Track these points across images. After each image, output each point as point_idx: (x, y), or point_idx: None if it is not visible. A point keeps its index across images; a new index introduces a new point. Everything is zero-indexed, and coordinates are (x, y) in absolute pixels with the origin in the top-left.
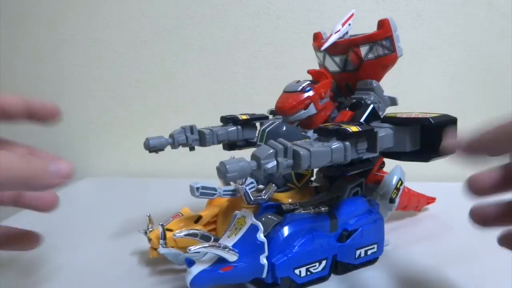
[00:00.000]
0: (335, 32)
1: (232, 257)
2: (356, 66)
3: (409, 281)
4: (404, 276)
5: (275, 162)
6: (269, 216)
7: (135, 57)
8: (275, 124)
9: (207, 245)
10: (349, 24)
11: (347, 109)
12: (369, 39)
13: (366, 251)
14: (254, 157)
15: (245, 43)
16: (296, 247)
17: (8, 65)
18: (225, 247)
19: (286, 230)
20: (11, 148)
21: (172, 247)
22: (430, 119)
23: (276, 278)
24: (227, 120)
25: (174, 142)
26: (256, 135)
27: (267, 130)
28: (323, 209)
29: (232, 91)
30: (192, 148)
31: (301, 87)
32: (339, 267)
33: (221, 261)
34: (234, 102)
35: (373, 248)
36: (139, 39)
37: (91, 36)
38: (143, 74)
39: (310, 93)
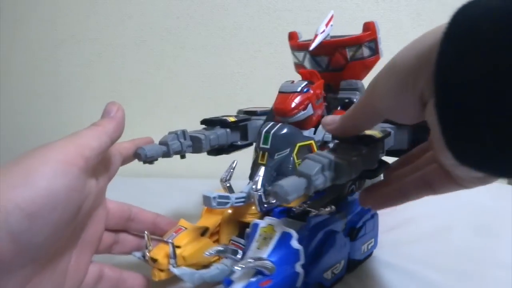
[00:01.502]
0: (320, 33)
1: (270, 270)
2: (340, 66)
3: (408, 281)
4: (404, 276)
5: (323, 177)
6: (289, 221)
7: (135, 57)
8: (277, 126)
9: (251, 261)
10: (331, 25)
11: (339, 108)
12: (356, 41)
13: (368, 246)
14: (302, 174)
15: (245, 43)
16: (324, 250)
17: (8, 65)
18: (263, 260)
19: (317, 235)
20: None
21: (180, 265)
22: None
23: (307, 285)
24: (213, 122)
25: (169, 151)
26: (258, 137)
27: (271, 132)
28: (332, 209)
29: (232, 91)
30: (183, 156)
31: (300, 88)
32: (350, 264)
33: (259, 275)
34: (234, 102)
35: (372, 242)
36: (139, 39)
37: (91, 36)
38: (143, 74)
39: (309, 94)
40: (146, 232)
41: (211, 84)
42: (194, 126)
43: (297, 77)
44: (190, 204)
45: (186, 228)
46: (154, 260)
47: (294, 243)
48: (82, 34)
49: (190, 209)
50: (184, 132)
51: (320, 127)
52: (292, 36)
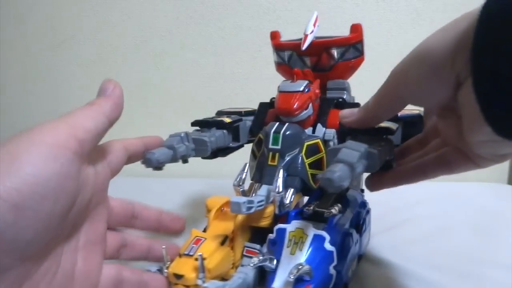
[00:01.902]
0: (310, 33)
1: (310, 274)
2: (328, 66)
3: (408, 281)
4: (404, 276)
5: (362, 165)
6: (308, 223)
7: (135, 57)
8: (285, 126)
9: (294, 269)
10: (318, 26)
11: (332, 107)
12: (345, 42)
13: (367, 240)
14: (344, 161)
15: (245, 43)
16: (346, 249)
17: (8, 65)
18: (303, 266)
19: (342, 235)
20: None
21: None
22: (414, 115)
23: (337, 286)
24: (209, 124)
25: (176, 154)
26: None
27: (281, 133)
28: (340, 207)
29: (232, 91)
30: (186, 161)
31: (302, 87)
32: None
33: (299, 282)
34: (234, 102)
35: (367, 237)
36: (139, 39)
37: (91, 36)
38: (143, 74)
39: (310, 93)
40: (164, 247)
41: (211, 84)
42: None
43: (279, 77)
44: (189, 205)
45: (205, 238)
46: (179, 276)
47: (328, 245)
48: (82, 34)
49: (189, 210)
50: (187, 135)
51: (319, 125)
52: (275, 36)
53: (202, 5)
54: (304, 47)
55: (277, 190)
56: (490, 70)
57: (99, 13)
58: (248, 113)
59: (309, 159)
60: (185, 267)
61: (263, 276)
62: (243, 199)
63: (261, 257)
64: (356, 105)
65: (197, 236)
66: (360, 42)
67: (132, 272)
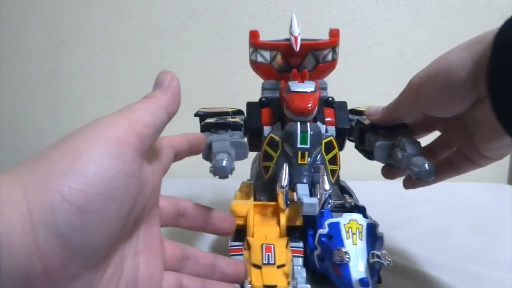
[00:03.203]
0: (298, 34)
1: (387, 258)
2: (311, 68)
3: (408, 281)
4: (404, 276)
5: None
6: (356, 214)
7: (135, 57)
8: (310, 125)
9: (388, 259)
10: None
11: (323, 105)
12: (330, 45)
13: None
14: (422, 154)
15: (245, 43)
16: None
17: (8, 65)
18: (380, 251)
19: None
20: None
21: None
22: None
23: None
24: (225, 125)
25: (232, 160)
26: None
27: (310, 132)
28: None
29: (232, 91)
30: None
31: (315, 87)
32: None
33: (372, 268)
34: (234, 102)
35: None
36: (139, 39)
37: (91, 36)
38: (143, 74)
39: (318, 93)
40: (244, 258)
41: (211, 84)
42: (194, 126)
43: (255, 76)
44: None
45: (273, 244)
46: (272, 287)
47: (379, 232)
48: (82, 34)
49: None
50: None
51: (319, 123)
52: (256, 35)
53: (202, 5)
54: (298, 48)
55: (325, 187)
56: (506, 91)
57: (99, 13)
58: (235, 112)
59: (328, 156)
60: (274, 277)
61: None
62: (315, 200)
63: (345, 256)
64: (344, 103)
65: (265, 244)
66: (337, 46)
67: (192, 280)
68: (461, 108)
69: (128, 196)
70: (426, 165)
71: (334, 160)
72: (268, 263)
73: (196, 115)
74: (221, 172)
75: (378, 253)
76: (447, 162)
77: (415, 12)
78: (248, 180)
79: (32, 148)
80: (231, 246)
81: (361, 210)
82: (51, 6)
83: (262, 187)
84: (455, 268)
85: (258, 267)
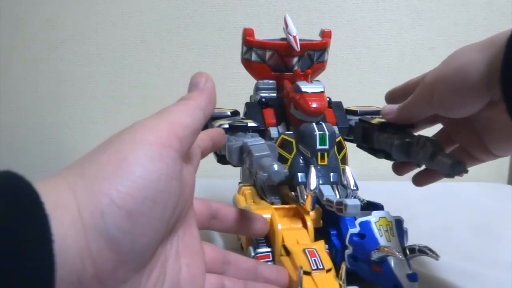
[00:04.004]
0: (296, 34)
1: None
2: (306, 67)
3: None
4: None
5: None
6: (384, 211)
7: (135, 57)
8: (327, 126)
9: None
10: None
11: None
12: (324, 46)
13: None
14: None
15: None
16: None
17: (8, 65)
18: (417, 246)
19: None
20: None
21: None
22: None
23: None
24: (244, 128)
25: None
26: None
27: (327, 133)
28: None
29: (232, 91)
30: None
31: (323, 87)
32: None
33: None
34: (234, 102)
35: None
36: (139, 39)
37: (91, 36)
38: (143, 74)
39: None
40: (300, 265)
41: None
42: None
43: (246, 74)
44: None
45: (315, 249)
46: None
47: (404, 226)
48: (82, 34)
49: None
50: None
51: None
52: (251, 33)
53: (202, 5)
54: (299, 48)
55: (352, 187)
56: None
57: (99, 13)
58: (234, 113)
59: (340, 155)
60: (327, 282)
61: None
62: (357, 201)
63: (398, 255)
64: (340, 103)
65: (306, 249)
66: (329, 47)
67: (233, 281)
68: (474, 109)
69: (171, 198)
70: (456, 163)
71: (344, 160)
72: (317, 268)
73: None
74: (277, 177)
75: (424, 248)
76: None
77: (415, 12)
78: (240, 182)
79: (32, 148)
80: (258, 253)
81: (379, 207)
82: (51, 6)
83: (271, 189)
84: (455, 268)
85: (307, 273)
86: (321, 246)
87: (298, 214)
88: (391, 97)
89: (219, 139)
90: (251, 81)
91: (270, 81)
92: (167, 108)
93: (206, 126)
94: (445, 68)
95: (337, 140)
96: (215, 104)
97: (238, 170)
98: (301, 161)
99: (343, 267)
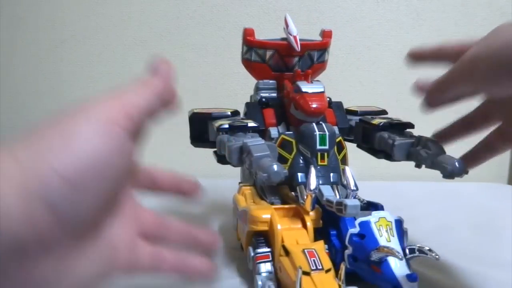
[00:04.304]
0: (296, 34)
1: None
2: (306, 67)
3: None
4: None
5: None
6: (384, 211)
7: (135, 57)
8: (326, 126)
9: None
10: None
11: None
12: (324, 46)
13: None
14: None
15: None
16: None
17: (8, 65)
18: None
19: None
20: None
21: None
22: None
23: None
24: (244, 129)
25: None
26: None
27: (327, 133)
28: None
29: (232, 91)
30: None
31: (324, 87)
32: None
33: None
34: (234, 102)
35: None
36: (139, 39)
37: (91, 36)
38: (143, 74)
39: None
40: (299, 266)
41: (211, 84)
42: None
43: (247, 74)
44: (191, 205)
45: (314, 248)
46: None
47: (404, 226)
48: (82, 34)
49: (191, 210)
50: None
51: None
52: (252, 33)
53: (202, 5)
54: (299, 48)
55: (352, 187)
56: None
57: (99, 13)
58: (234, 113)
59: (340, 155)
60: (327, 283)
61: None
62: (357, 201)
63: (398, 255)
64: (340, 104)
65: (306, 249)
66: (329, 47)
67: (170, 251)
68: None
69: (113, 172)
70: (457, 162)
71: (344, 160)
72: (317, 269)
73: (192, 116)
74: (276, 177)
75: (423, 248)
76: (486, 146)
77: (415, 12)
78: (240, 182)
79: None
80: (257, 253)
81: (379, 207)
82: (51, 6)
83: (271, 189)
84: (455, 268)
85: (306, 273)
86: (320, 246)
87: (298, 214)
88: (417, 56)
89: (169, 96)
90: (251, 81)
91: (270, 81)
92: (122, 88)
93: (207, 125)
94: (489, 45)
95: (337, 140)
96: (173, 91)
97: (238, 170)
98: (301, 161)
99: (342, 267)
